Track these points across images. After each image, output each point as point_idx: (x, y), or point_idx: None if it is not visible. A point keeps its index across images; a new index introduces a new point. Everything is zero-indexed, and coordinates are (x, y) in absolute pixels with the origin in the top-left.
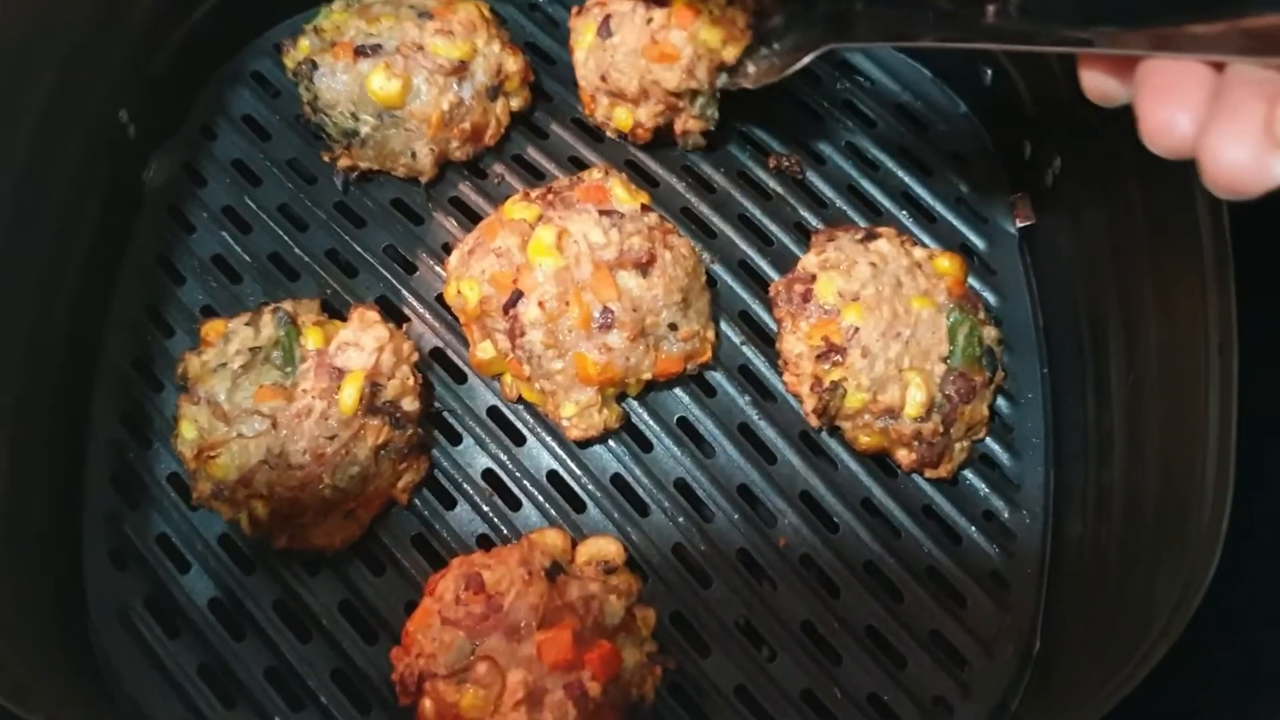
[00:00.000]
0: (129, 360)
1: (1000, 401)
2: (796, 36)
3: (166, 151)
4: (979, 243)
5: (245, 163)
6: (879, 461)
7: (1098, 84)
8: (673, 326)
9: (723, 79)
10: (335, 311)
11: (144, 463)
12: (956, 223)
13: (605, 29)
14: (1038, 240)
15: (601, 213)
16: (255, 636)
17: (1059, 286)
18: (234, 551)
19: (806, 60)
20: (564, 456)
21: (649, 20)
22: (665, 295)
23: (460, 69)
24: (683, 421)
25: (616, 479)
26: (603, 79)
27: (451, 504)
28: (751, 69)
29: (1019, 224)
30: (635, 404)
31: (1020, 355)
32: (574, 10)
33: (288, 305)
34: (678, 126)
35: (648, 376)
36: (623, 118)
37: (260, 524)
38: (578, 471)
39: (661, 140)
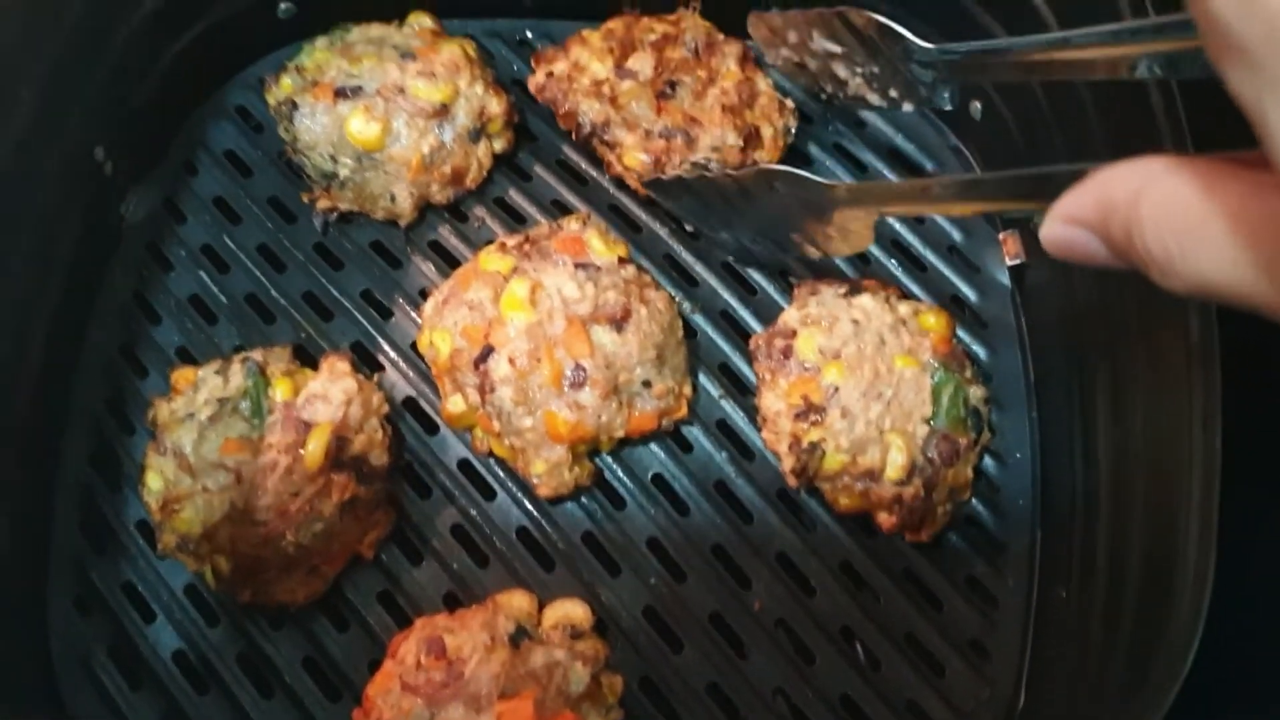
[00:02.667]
0: (101, 401)
1: (988, 461)
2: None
3: (147, 185)
4: (970, 294)
5: (226, 200)
6: (860, 522)
7: None
8: (647, 383)
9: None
10: (309, 358)
11: (113, 508)
12: (948, 272)
13: None
14: (1029, 290)
15: (577, 265)
16: (218, 690)
17: (1050, 339)
18: (199, 603)
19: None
20: (534, 513)
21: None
22: (639, 352)
23: (441, 111)
24: (657, 478)
25: (587, 537)
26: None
27: (418, 560)
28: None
29: (1009, 261)
30: (609, 459)
31: (1010, 412)
32: None
33: (257, 355)
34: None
35: (620, 434)
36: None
37: (224, 579)
38: (548, 529)
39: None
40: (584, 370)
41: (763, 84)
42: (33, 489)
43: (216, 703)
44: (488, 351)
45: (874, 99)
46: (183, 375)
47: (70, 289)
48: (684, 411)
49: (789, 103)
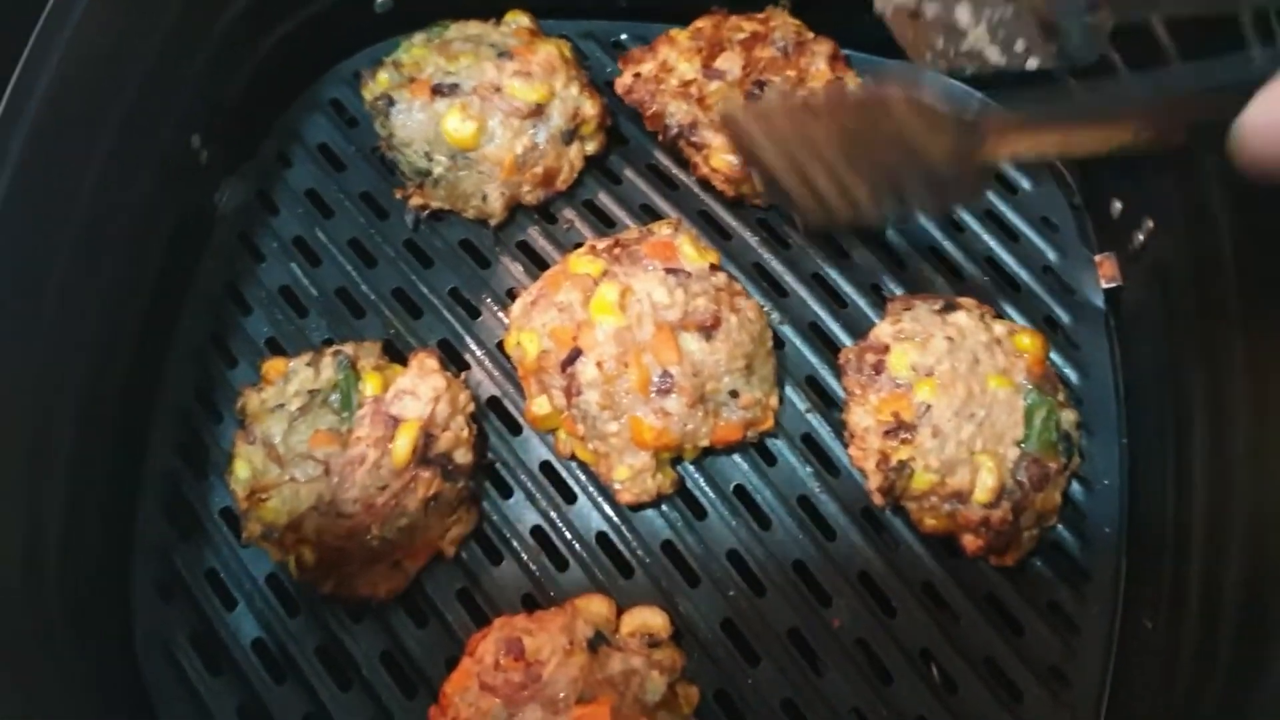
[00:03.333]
0: (190, 390)
1: (1075, 486)
2: None
3: (241, 176)
4: (1064, 315)
5: (319, 193)
6: (944, 543)
7: None
8: (734, 393)
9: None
10: (397, 353)
11: (198, 495)
12: (1042, 293)
13: None
14: (1124, 313)
15: (668, 271)
16: (295, 681)
17: (1144, 364)
18: (281, 592)
19: None
20: (615, 519)
21: None
22: (728, 360)
23: (536, 112)
24: (740, 490)
25: (667, 546)
26: None
27: (498, 559)
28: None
29: (1104, 284)
30: (691, 468)
31: (1100, 438)
32: None
33: (349, 348)
34: None
35: (705, 444)
36: None
37: (307, 569)
38: (628, 535)
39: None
40: (671, 377)
41: (852, 83)
42: (120, 475)
43: (294, 692)
44: (575, 354)
45: (993, 54)
46: (273, 366)
47: (163, 277)
48: (770, 423)
49: None
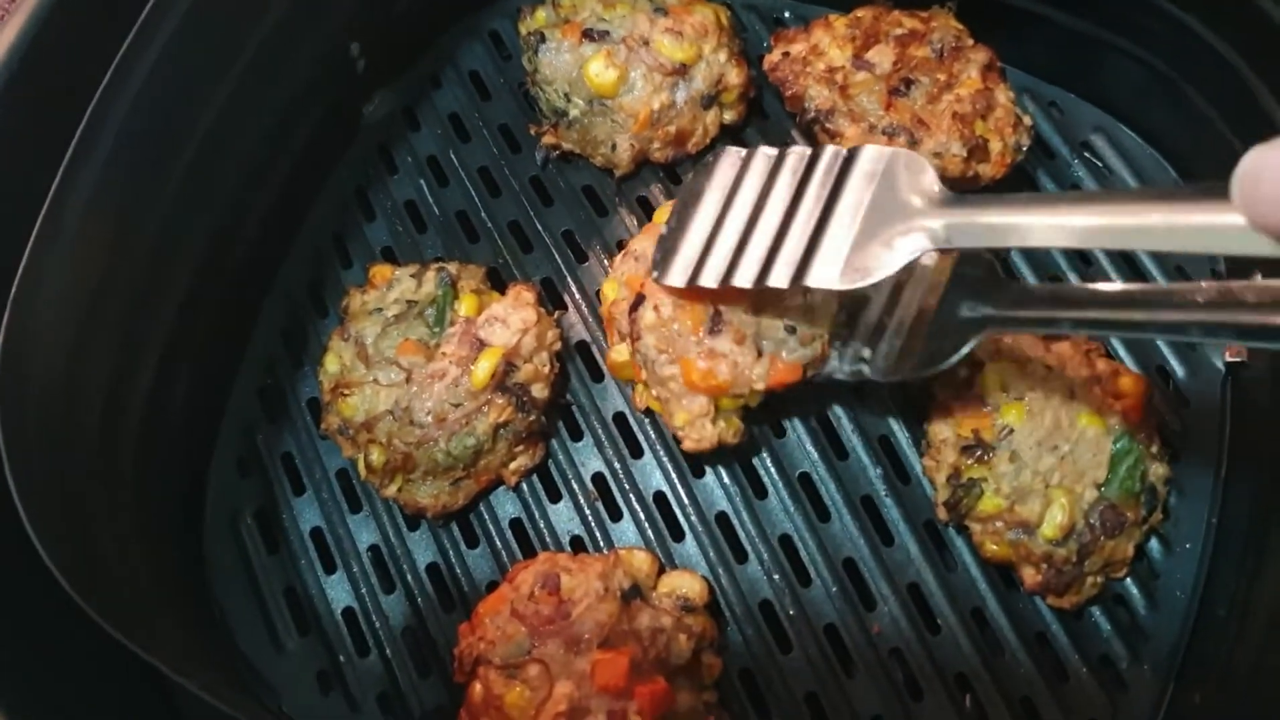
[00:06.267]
0: (304, 282)
1: (1153, 544)
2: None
3: (392, 90)
4: (1179, 369)
5: (461, 118)
6: (1003, 573)
7: None
8: (792, 329)
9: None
10: (500, 282)
11: (291, 381)
12: (1160, 341)
13: None
14: (1245, 383)
15: None
16: (344, 574)
17: (1253, 437)
18: (347, 487)
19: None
20: (675, 480)
21: None
22: (787, 297)
23: (680, 71)
24: (805, 478)
25: (722, 518)
26: None
27: (556, 497)
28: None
29: (1229, 358)
30: (761, 448)
31: (1190, 500)
32: None
33: (453, 267)
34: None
35: (761, 386)
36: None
37: (374, 470)
38: (685, 499)
39: None
40: (721, 317)
41: (1002, 96)
42: (222, 348)
43: (340, 583)
44: (639, 300)
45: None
46: (380, 271)
47: (300, 170)
48: (827, 351)
49: (1026, 119)
